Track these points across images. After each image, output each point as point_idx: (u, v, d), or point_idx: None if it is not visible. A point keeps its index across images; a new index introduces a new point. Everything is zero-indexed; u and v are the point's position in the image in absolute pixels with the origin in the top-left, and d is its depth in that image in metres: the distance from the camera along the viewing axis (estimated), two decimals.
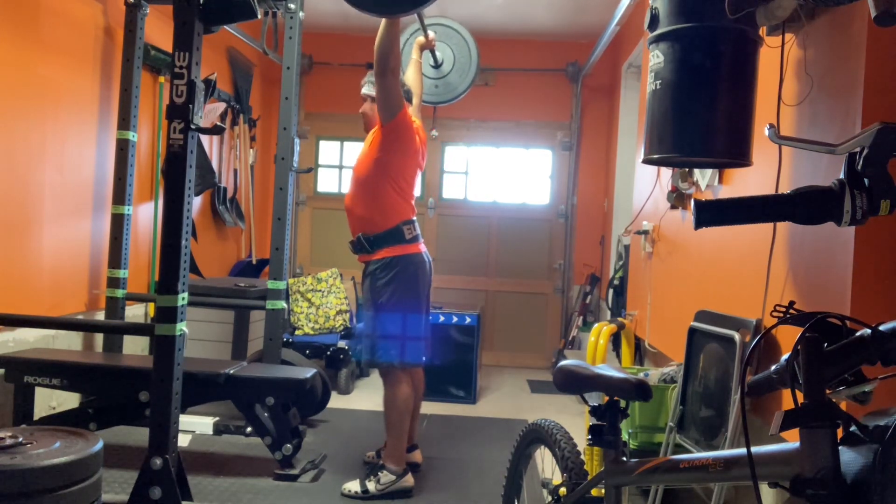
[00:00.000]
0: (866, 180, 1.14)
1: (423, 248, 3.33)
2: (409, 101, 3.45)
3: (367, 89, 3.41)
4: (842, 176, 1.17)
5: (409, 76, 3.64)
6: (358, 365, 5.38)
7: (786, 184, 2.30)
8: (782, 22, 2.18)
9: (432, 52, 3.76)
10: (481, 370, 5.64)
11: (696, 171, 3.21)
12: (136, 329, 3.60)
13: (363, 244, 3.26)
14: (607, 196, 6.21)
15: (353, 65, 6.23)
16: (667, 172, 3.59)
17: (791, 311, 1.11)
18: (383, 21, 3.00)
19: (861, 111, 1.90)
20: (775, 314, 1.11)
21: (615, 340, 4.51)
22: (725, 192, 2.91)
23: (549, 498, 1.89)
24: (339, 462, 3.54)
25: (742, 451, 1.14)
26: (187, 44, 2.43)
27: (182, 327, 2.52)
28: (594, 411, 1.67)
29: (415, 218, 3.33)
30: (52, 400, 3.49)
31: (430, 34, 3.61)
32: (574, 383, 1.71)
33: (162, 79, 4.44)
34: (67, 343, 3.66)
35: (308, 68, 6.45)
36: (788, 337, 2.11)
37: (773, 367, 1.10)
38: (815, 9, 2.14)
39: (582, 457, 1.85)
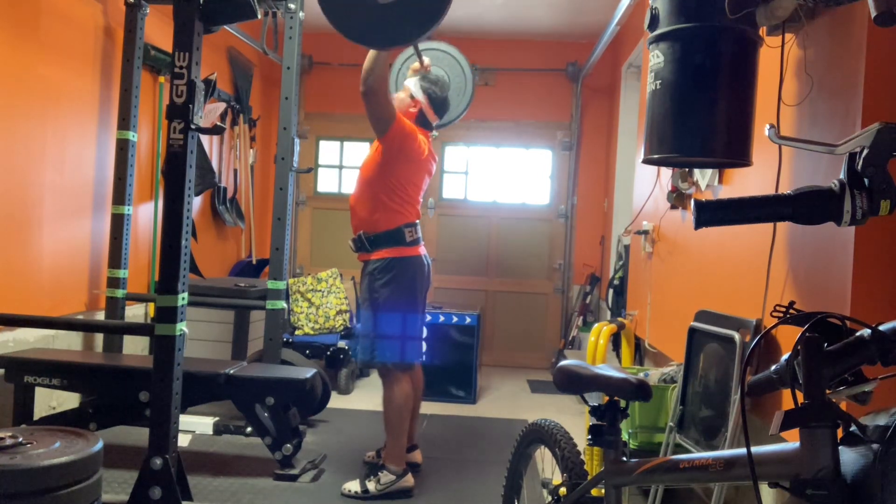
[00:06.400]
0: (866, 180, 1.14)
1: (422, 250, 3.34)
2: (443, 115, 3.49)
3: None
4: (842, 176, 1.17)
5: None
6: (359, 364, 5.38)
7: (786, 184, 2.30)
8: (782, 22, 2.17)
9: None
10: (481, 370, 5.64)
11: (696, 171, 3.20)
12: (136, 329, 3.60)
13: (363, 242, 3.27)
14: (607, 196, 6.21)
15: (353, 65, 6.10)
16: (667, 172, 3.59)
17: (791, 311, 1.11)
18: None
19: (861, 111, 1.89)
20: (775, 314, 1.11)
21: (615, 340, 4.51)
22: (725, 192, 2.91)
23: (549, 498, 1.89)
24: (339, 462, 3.54)
25: (742, 451, 1.14)
26: (187, 44, 2.43)
27: (182, 327, 2.52)
28: (594, 411, 1.67)
29: (417, 221, 3.33)
30: (52, 400, 3.49)
31: (426, 60, 3.56)
32: (574, 383, 1.71)
33: (162, 79, 4.44)
34: (67, 343, 3.66)
35: (308, 68, 6.45)
36: (788, 337, 2.11)
37: (773, 367, 1.10)
38: (815, 9, 2.14)
39: (582, 457, 1.85)
